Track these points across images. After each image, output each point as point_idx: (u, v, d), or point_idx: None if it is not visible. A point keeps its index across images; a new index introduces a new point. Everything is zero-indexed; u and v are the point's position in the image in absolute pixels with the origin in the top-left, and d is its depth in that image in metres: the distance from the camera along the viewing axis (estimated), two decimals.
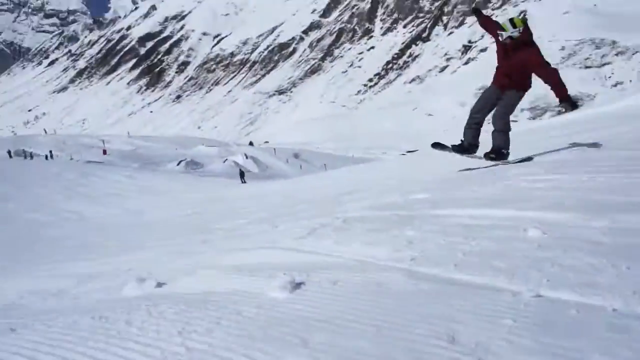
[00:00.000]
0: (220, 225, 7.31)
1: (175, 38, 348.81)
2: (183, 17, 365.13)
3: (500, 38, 5.59)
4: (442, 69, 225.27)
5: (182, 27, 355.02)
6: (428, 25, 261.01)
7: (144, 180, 37.91)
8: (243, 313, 2.04)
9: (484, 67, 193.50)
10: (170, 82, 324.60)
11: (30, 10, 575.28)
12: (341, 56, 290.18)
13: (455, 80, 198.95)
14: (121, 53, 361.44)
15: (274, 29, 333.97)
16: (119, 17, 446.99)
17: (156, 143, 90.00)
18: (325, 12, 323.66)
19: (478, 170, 6.37)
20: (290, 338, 1.71)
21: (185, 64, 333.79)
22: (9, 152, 51.35)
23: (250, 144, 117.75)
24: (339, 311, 1.91)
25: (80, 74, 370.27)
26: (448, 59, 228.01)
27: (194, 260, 3.61)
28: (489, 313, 1.66)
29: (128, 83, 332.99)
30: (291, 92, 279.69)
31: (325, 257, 2.84)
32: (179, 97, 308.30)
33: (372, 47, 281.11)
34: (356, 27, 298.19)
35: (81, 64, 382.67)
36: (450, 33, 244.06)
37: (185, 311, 2.19)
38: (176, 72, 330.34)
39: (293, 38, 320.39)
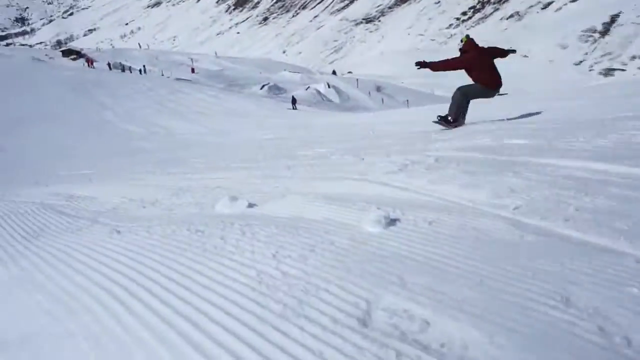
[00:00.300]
0: (303, 152, 7.36)
1: None
2: None
3: None
4: (546, 6, 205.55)
5: None
6: None
7: (228, 101, 38.88)
8: (336, 243, 2.03)
9: (594, 7, 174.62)
10: (258, 3, 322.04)
11: None
12: None
13: (559, 19, 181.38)
14: None
15: None
16: None
17: (242, 65, 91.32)
18: None
19: (584, 121, 5.87)
20: (386, 275, 1.67)
21: None
22: (109, 65, 54.33)
23: (333, 73, 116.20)
24: (437, 253, 1.83)
25: None
26: None
27: (282, 185, 3.65)
28: (609, 277, 1.51)
29: (217, 2, 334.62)
30: (379, 21, 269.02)
31: (418, 195, 2.75)
32: (265, 19, 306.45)
33: None
34: None
35: None
36: None
37: (278, 234, 2.21)
38: None
39: None
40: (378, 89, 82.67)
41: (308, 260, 1.87)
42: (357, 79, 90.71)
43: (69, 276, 2.14)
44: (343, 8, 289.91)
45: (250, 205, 2.92)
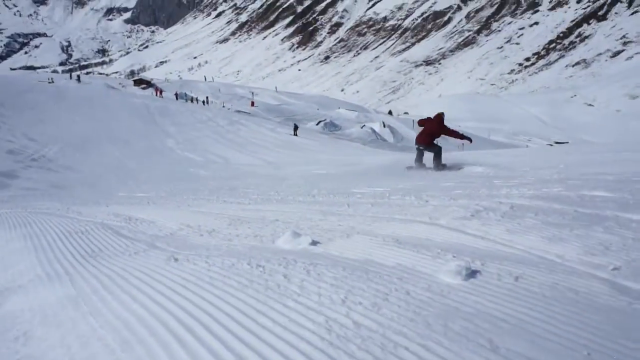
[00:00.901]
0: (359, 189, 7.20)
1: None
2: None
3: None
4: (616, 54, 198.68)
5: None
6: (608, 1, 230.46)
7: (284, 135, 39.51)
8: (412, 293, 1.83)
9: None
10: (321, 42, 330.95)
11: None
12: (499, 30, 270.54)
13: (629, 68, 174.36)
14: (280, 10, 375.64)
15: None
16: None
17: (299, 101, 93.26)
18: None
19: None
20: (474, 336, 1.45)
21: (338, 25, 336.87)
22: (176, 95, 57.03)
23: (389, 113, 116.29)
24: (529, 315, 1.60)
25: (241, 27, 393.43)
26: (625, 43, 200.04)
27: (345, 223, 3.48)
28: None
29: (282, 40, 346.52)
30: (439, 64, 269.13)
31: (498, 246, 2.51)
32: (327, 57, 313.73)
33: (536, 23, 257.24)
34: None
35: (243, 17, 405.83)
36: (635, 12, 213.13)
37: (346, 278, 2.03)
38: (328, 33, 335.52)
39: (450, 7, 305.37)
40: None
41: (382, 310, 1.68)
42: (412, 120, 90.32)
43: (125, 302, 2.05)
44: (404, 50, 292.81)
45: (314, 243, 2.76)
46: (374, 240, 2.71)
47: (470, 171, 8.80)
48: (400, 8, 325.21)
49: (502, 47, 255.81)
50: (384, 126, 70.16)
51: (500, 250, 2.41)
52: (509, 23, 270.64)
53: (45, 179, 16.93)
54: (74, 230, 4.11)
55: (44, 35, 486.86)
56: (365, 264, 2.26)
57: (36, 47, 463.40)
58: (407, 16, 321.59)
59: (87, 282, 2.45)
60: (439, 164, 10.40)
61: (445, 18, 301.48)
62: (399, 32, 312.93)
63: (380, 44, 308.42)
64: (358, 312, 1.66)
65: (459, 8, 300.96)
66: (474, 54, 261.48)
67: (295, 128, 44.34)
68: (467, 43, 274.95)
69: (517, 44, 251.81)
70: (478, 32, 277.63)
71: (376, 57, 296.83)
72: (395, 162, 17.76)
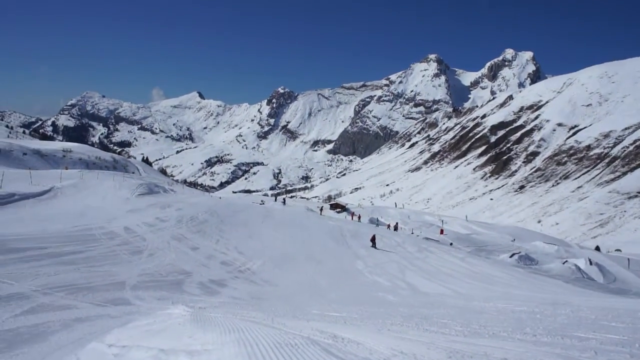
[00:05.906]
0: (581, 333, 6.12)
1: (527, 128, 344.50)
2: (539, 107, 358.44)
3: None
4: None
5: (536, 117, 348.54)
6: None
7: (474, 265, 37.42)
8: None
9: None
10: (516, 171, 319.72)
11: (404, 100, 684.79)
12: None
13: None
14: (472, 140, 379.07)
15: None
16: (477, 106, 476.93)
17: (491, 231, 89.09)
18: None
19: None
20: None
21: (534, 154, 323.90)
22: (373, 220, 60.16)
23: (597, 249, 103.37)
24: None
25: (433, 156, 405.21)
26: None
27: None
28: None
29: (474, 169, 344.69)
30: None
31: None
32: (522, 187, 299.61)
33: None
34: None
35: (436, 147, 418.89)
36: None
37: None
38: (523, 162, 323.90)
39: None
40: None
41: None
42: (628, 259, 78.35)
43: None
44: (614, 179, 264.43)
45: None
46: None
47: None
48: (606, 136, 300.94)
49: None
50: (591, 264, 62.23)
51: None
52: None
53: (247, 290, 18.44)
54: (284, 342, 4.15)
55: (261, 164, 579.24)
56: None
57: (254, 173, 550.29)
58: (615, 144, 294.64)
59: None
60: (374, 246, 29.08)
61: None
62: (606, 160, 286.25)
63: (584, 174, 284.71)
64: None
65: None
66: None
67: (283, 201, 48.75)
68: None
69: None
70: None
71: (579, 187, 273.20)
72: (611, 309, 15.16)
